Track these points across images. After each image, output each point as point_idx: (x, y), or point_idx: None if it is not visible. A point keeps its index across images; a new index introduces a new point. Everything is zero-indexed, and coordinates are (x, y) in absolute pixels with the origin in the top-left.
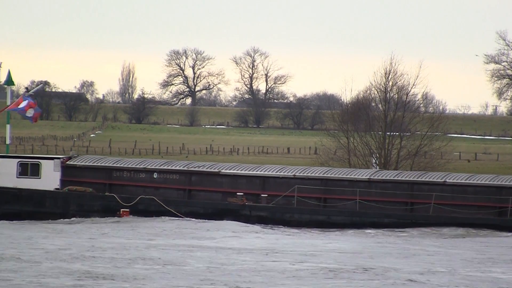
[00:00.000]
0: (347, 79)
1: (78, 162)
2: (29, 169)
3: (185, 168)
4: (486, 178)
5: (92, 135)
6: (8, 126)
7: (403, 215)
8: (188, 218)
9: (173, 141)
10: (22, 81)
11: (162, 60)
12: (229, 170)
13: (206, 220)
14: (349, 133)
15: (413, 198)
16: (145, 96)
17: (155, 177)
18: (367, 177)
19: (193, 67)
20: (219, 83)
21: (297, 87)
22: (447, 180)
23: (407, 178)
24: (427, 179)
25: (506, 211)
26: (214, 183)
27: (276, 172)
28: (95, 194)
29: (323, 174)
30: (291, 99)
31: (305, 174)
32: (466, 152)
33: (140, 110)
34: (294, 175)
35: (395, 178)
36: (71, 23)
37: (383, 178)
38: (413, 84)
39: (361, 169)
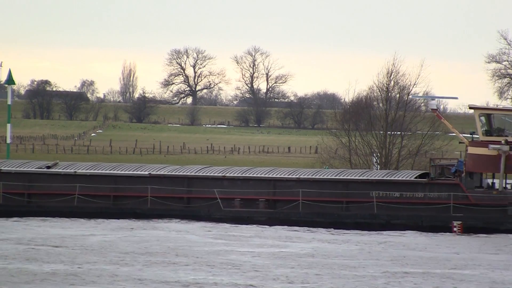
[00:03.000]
0: (351, 80)
1: None
2: None
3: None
4: (262, 171)
5: (93, 134)
6: (8, 125)
7: (182, 209)
8: None
9: (174, 140)
10: (22, 81)
11: (163, 59)
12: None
13: None
14: (350, 132)
15: (192, 194)
16: (146, 95)
17: None
18: (148, 172)
19: (194, 66)
20: (219, 82)
21: (298, 86)
22: (227, 175)
23: (184, 173)
24: (207, 174)
25: (275, 204)
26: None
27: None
28: None
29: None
30: (292, 98)
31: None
32: None
33: (141, 109)
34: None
35: (174, 173)
36: (72, 22)
37: (162, 173)
38: (415, 84)
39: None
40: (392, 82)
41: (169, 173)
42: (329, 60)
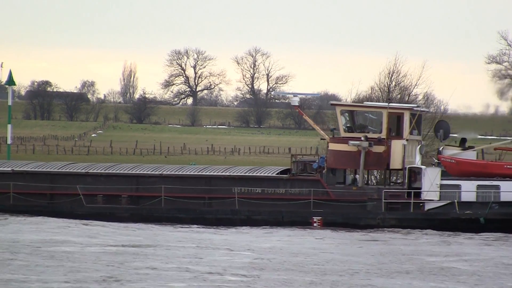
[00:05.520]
0: (354, 80)
1: None
2: None
3: None
4: (126, 167)
5: (93, 135)
6: (9, 126)
7: (45, 205)
8: None
9: (174, 141)
10: (23, 81)
11: (164, 60)
12: None
13: None
14: None
15: (55, 190)
16: (146, 96)
17: None
18: (11, 168)
19: (194, 67)
20: (220, 83)
21: (299, 87)
22: (90, 171)
23: (47, 170)
24: (70, 170)
25: (138, 200)
26: None
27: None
28: None
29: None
30: None
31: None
32: None
33: (141, 110)
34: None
35: (37, 169)
36: (72, 22)
37: (26, 169)
38: (416, 85)
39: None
40: (394, 83)
41: (33, 169)
42: (330, 61)
